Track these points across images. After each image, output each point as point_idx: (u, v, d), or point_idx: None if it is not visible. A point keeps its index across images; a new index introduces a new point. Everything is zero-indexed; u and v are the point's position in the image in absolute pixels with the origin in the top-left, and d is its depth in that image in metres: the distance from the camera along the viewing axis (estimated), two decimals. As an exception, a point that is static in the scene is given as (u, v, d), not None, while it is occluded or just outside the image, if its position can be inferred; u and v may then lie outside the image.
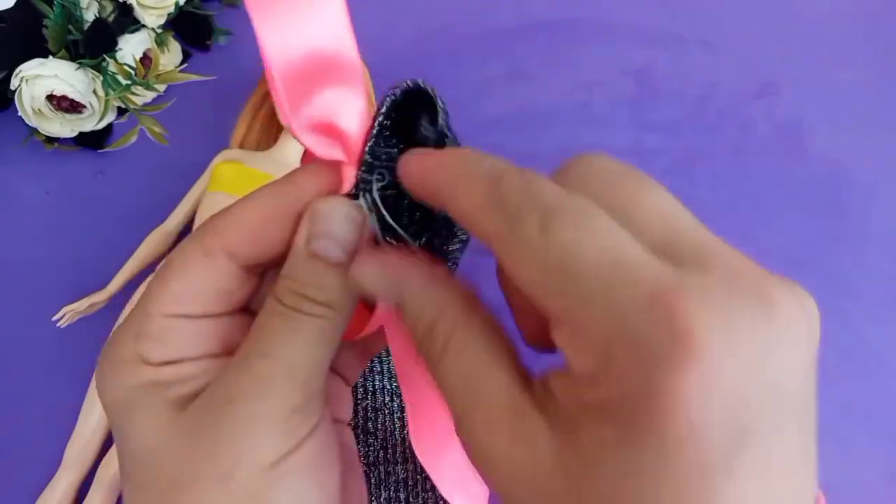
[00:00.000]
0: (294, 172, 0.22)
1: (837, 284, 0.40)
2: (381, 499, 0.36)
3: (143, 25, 0.45)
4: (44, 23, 0.42)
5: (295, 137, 0.21)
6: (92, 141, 0.45)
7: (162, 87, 0.46)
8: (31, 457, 0.37)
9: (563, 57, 0.46)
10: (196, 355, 0.21)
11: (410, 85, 0.21)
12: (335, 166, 0.21)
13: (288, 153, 0.42)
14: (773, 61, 0.46)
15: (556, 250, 0.15)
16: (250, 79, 0.45)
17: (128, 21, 0.44)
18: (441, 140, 0.21)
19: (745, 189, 0.42)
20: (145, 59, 0.44)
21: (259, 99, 0.45)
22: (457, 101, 0.45)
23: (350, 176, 0.21)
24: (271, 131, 0.44)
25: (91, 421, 0.37)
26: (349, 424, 0.27)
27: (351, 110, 0.20)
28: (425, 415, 0.29)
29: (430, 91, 0.21)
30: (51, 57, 0.42)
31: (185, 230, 0.42)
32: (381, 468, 0.36)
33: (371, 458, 0.36)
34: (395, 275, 0.20)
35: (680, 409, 0.13)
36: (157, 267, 0.39)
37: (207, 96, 0.46)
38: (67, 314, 0.40)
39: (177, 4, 0.45)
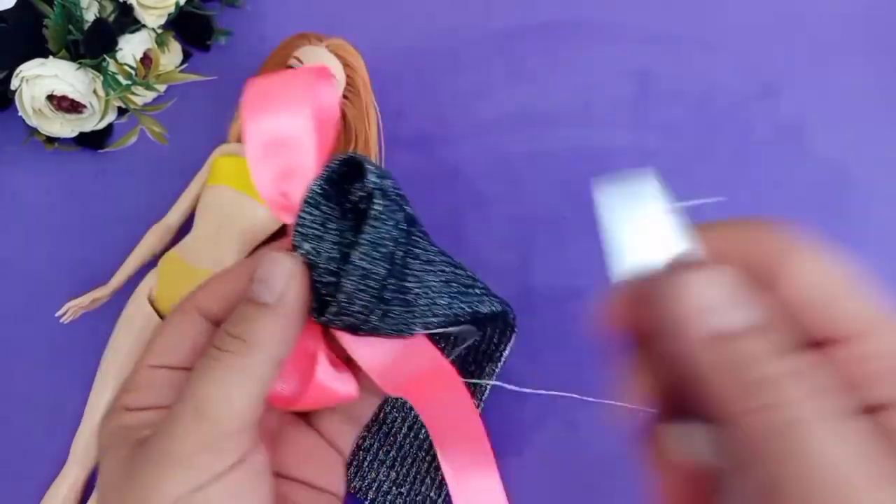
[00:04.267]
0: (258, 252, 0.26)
1: (837, 285, 0.40)
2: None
3: (144, 25, 0.45)
4: (44, 23, 0.42)
5: (264, 198, 0.25)
6: (92, 141, 0.45)
7: (162, 87, 0.46)
8: (38, 452, 0.37)
9: (563, 57, 0.46)
10: (168, 404, 0.22)
11: (343, 159, 0.24)
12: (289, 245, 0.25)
13: (287, 150, 0.42)
14: (774, 61, 0.46)
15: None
16: (250, 78, 0.45)
17: (128, 21, 0.44)
18: (370, 199, 0.24)
19: (745, 189, 0.42)
20: (145, 59, 0.44)
21: (258, 96, 0.45)
22: (457, 102, 0.45)
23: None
24: (270, 128, 0.44)
25: (97, 415, 0.37)
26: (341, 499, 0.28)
27: (301, 186, 0.24)
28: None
29: (358, 159, 0.24)
30: (51, 57, 0.42)
31: (186, 224, 0.42)
32: None
33: None
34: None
35: None
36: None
37: (207, 96, 0.46)
38: (70, 310, 0.40)
39: (177, 4, 0.45)
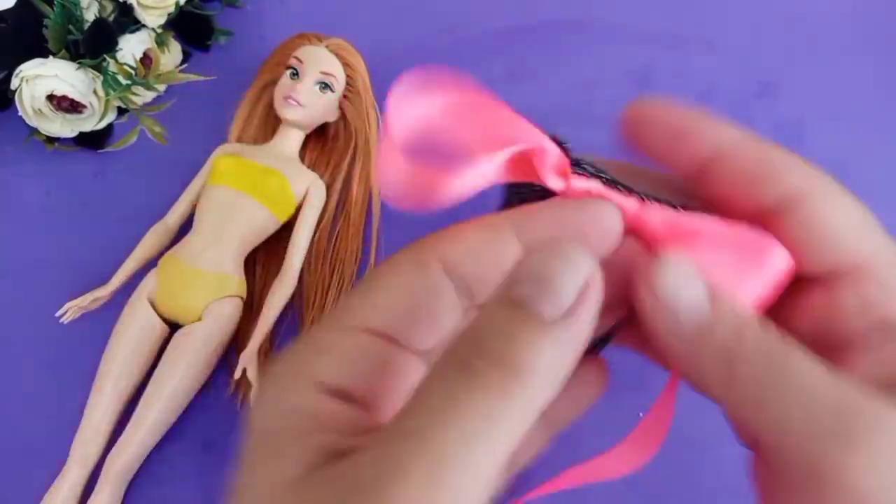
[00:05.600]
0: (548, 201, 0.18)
1: (837, 284, 0.40)
2: None
3: (144, 25, 0.45)
4: (44, 23, 0.42)
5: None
6: (92, 141, 0.45)
7: (162, 87, 0.46)
8: (38, 452, 0.37)
9: (563, 57, 0.46)
10: (366, 389, 0.16)
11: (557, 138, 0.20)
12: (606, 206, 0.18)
13: (286, 146, 0.42)
14: (773, 61, 0.46)
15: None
16: (250, 78, 0.45)
17: (128, 21, 0.44)
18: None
19: (745, 189, 0.42)
20: (145, 59, 0.45)
21: (257, 93, 0.45)
22: (457, 101, 0.45)
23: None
24: (269, 124, 0.44)
25: (96, 414, 0.37)
26: None
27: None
28: None
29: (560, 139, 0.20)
30: (51, 57, 0.42)
31: (186, 224, 0.42)
32: None
33: None
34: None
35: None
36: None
37: (207, 96, 0.46)
38: (70, 310, 0.40)
39: (177, 4, 0.45)
